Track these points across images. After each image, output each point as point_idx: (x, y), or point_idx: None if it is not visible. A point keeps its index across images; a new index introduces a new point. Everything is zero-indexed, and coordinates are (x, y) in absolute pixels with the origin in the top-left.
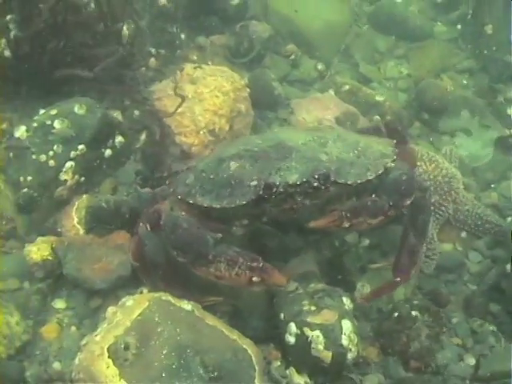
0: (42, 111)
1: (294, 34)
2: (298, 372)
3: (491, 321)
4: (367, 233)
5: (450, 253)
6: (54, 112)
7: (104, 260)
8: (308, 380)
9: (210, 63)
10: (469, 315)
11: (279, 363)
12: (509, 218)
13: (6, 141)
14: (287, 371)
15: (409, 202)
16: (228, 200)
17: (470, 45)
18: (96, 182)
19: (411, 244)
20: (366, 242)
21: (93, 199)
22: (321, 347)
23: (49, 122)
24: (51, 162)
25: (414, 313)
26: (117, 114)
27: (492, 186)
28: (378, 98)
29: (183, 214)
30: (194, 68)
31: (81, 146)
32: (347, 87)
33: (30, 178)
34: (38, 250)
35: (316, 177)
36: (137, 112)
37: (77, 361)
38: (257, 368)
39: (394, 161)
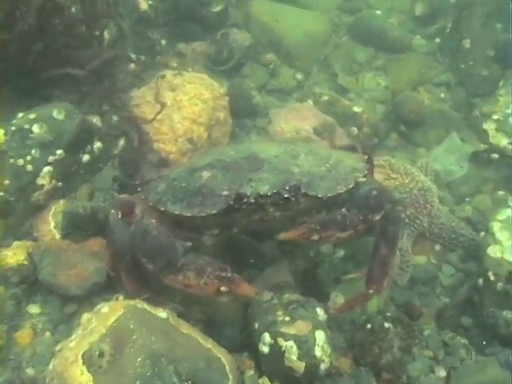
0: (20, 115)
1: (274, 43)
2: (271, 382)
3: (463, 334)
4: (342, 244)
5: (423, 265)
6: (32, 116)
7: (80, 266)
8: None
9: (189, 70)
10: (441, 328)
11: (253, 372)
12: (482, 233)
13: None
14: (260, 380)
15: (378, 217)
16: (199, 209)
17: (447, 58)
18: (73, 187)
19: (383, 255)
20: (341, 252)
21: (70, 205)
22: (294, 357)
23: (27, 126)
24: (29, 167)
25: (386, 324)
26: (96, 120)
27: (466, 199)
28: (356, 110)
29: (153, 221)
30: (174, 75)
31: (59, 151)
32: (326, 98)
33: (6, 181)
34: (14, 255)
35: (287, 188)
36: (115, 117)
37: (51, 367)
38: (230, 377)
39: (365, 176)
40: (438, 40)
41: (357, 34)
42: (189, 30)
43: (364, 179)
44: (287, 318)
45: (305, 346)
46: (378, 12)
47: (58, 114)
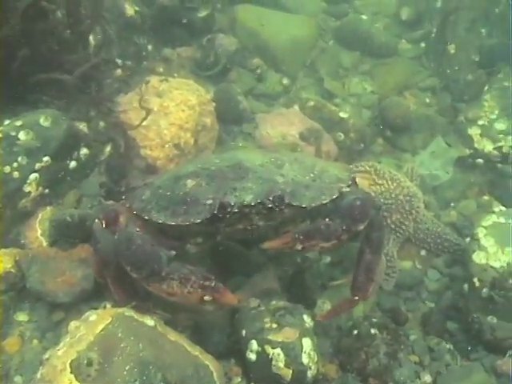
0: (6, 122)
1: (260, 48)
2: None
3: (448, 339)
4: (327, 252)
5: (409, 270)
6: (18, 123)
7: (67, 273)
8: None
9: (175, 75)
10: (426, 333)
11: (240, 379)
12: (467, 239)
13: None
14: None
15: (362, 228)
16: (183, 218)
17: (433, 63)
18: (60, 193)
19: (368, 261)
20: (328, 259)
21: (57, 212)
22: (281, 365)
23: (13, 133)
24: (15, 174)
25: (373, 330)
26: (82, 126)
27: (451, 204)
28: (342, 115)
29: (138, 230)
30: (160, 81)
31: (46, 158)
32: (312, 103)
33: None
34: (1, 262)
35: (271, 198)
36: (102, 123)
37: (39, 375)
38: None
39: (349, 186)
40: (423, 45)
41: (343, 39)
42: (175, 35)
43: (348, 189)
44: (274, 325)
45: (292, 353)
46: (364, 17)
47: (44, 120)
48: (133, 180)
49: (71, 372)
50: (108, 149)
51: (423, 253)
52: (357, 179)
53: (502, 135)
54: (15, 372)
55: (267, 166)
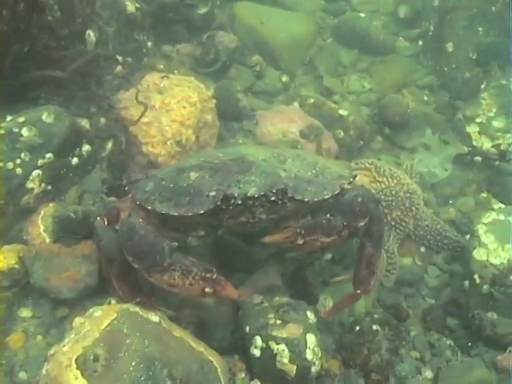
0: (9, 118)
1: (260, 45)
2: None
3: (448, 335)
4: (328, 248)
5: (409, 267)
6: (21, 119)
7: (71, 269)
8: None
9: (176, 72)
10: (427, 329)
11: (244, 375)
12: (467, 236)
13: None
14: (252, 383)
15: (362, 224)
16: (186, 208)
17: (430, 61)
18: (62, 190)
19: (368, 255)
20: (329, 256)
21: (59, 208)
22: (286, 360)
23: (16, 130)
24: (18, 170)
25: (374, 326)
26: (84, 123)
27: (450, 201)
28: (342, 113)
29: (140, 221)
30: (161, 78)
31: (48, 155)
32: (312, 101)
33: None
34: (5, 259)
35: (274, 191)
36: (103, 120)
37: (44, 371)
38: (222, 380)
39: (350, 182)
40: (421, 43)
41: (341, 37)
42: (174, 32)
43: (349, 186)
44: (278, 321)
45: (296, 349)
46: (362, 15)
47: (47, 117)
48: (134, 173)
49: (77, 368)
50: (109, 145)
51: (423, 250)
52: (357, 176)
53: (500, 133)
54: (20, 368)
55: (270, 161)
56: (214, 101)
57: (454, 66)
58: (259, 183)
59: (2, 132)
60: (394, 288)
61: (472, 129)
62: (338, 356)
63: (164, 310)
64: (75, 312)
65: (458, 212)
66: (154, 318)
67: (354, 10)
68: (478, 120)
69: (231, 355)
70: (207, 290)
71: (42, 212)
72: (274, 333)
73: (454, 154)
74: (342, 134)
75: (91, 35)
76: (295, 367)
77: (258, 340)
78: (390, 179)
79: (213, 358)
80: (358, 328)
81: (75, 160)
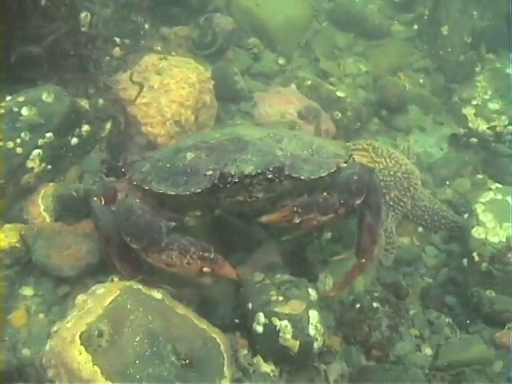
0: (8, 97)
1: (256, 28)
2: (265, 360)
3: (447, 313)
4: (326, 227)
5: (407, 247)
6: (21, 99)
7: (73, 247)
8: (274, 368)
9: (173, 54)
10: (425, 307)
11: (246, 352)
12: (466, 215)
13: None
14: (254, 359)
15: (359, 202)
16: (183, 188)
17: (426, 45)
18: (62, 169)
19: (369, 224)
20: (329, 234)
21: (59, 188)
22: (289, 336)
23: (16, 109)
24: (18, 149)
25: (375, 304)
26: (84, 103)
27: (447, 182)
28: (340, 94)
29: (138, 201)
30: (160, 59)
31: (48, 134)
32: (309, 82)
33: None
34: (6, 237)
35: (271, 169)
36: (101, 101)
37: (47, 347)
38: (225, 356)
39: (346, 161)
40: (416, 26)
41: (337, 20)
42: (172, 14)
43: (345, 165)
44: (281, 298)
45: (299, 324)
46: None
47: (47, 96)
48: (130, 155)
49: (81, 343)
50: (108, 126)
51: (421, 229)
52: (355, 157)
53: (495, 115)
54: (23, 345)
55: (266, 140)
56: (213, 82)
57: (449, 49)
58: (256, 161)
59: (2, 111)
60: (392, 267)
61: (468, 111)
62: (338, 333)
63: (166, 287)
64: (77, 290)
65: (455, 193)
66: (157, 295)
67: None
68: (474, 102)
69: (233, 332)
70: (205, 269)
71: (42, 191)
72: (276, 309)
73: (449, 133)
74: (340, 115)
75: (84, 16)
76: (298, 343)
77: (261, 316)
78: (387, 160)
79: (216, 334)
80: (358, 305)
81: (75, 140)
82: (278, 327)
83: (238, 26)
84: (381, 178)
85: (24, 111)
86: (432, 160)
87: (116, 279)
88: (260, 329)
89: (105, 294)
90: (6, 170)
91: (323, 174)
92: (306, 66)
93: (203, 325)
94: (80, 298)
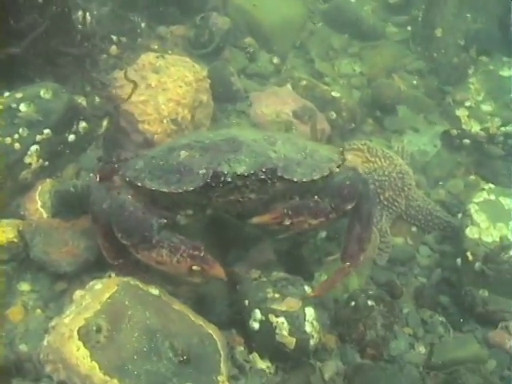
0: (6, 94)
1: (252, 28)
2: (261, 357)
3: (440, 312)
4: (317, 230)
5: (401, 246)
6: (19, 95)
7: (71, 244)
8: (270, 365)
9: (170, 53)
10: (419, 306)
11: (242, 348)
12: (459, 215)
13: None
14: (250, 356)
15: (350, 207)
16: (176, 185)
17: (420, 47)
18: (59, 166)
19: (358, 232)
20: (324, 234)
21: (57, 184)
22: (285, 333)
23: (14, 105)
24: (16, 145)
25: (370, 302)
26: (81, 100)
27: (440, 183)
28: (335, 95)
29: (130, 197)
30: (157, 57)
31: (46, 131)
32: (304, 82)
33: None
34: (3, 233)
35: (264, 170)
36: (97, 98)
37: (45, 343)
38: (222, 353)
39: (339, 166)
40: (410, 28)
41: (332, 21)
42: (168, 13)
43: (338, 170)
44: (277, 295)
45: (296, 321)
46: (353, 0)
47: (45, 93)
48: (124, 152)
49: (79, 339)
50: (105, 123)
51: (414, 229)
52: (350, 157)
53: (488, 116)
54: (20, 340)
55: (260, 142)
56: (209, 81)
57: (442, 51)
58: (249, 162)
59: (0, 107)
60: (386, 266)
61: (461, 112)
62: (333, 331)
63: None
64: (74, 286)
65: (448, 193)
66: (154, 291)
67: None
68: (467, 104)
69: (229, 329)
70: (194, 267)
71: (40, 188)
72: (273, 306)
73: (441, 130)
74: (335, 115)
75: (80, 15)
76: (294, 340)
77: (258, 313)
78: (382, 160)
79: (212, 331)
80: (353, 304)
81: (72, 137)
82: (274, 324)
83: (234, 26)
84: (375, 177)
85: (22, 107)
86: (427, 158)
87: (113, 275)
88: (256, 325)
89: (103, 290)
90: (4, 166)
91: (316, 177)
92: (300, 66)
93: (200, 321)
94: (78, 293)
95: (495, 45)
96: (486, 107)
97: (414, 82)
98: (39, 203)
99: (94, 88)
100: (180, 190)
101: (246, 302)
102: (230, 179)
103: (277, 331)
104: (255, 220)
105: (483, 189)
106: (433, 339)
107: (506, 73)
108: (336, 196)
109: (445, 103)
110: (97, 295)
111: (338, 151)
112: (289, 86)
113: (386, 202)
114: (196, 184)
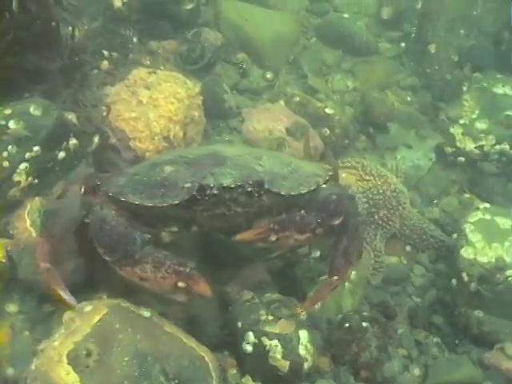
0: None
1: (244, 43)
2: (254, 380)
3: (435, 333)
4: (318, 244)
5: (395, 266)
6: (8, 112)
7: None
8: None
9: (162, 68)
10: (413, 326)
11: (235, 371)
12: (454, 235)
13: None
14: (243, 379)
15: (337, 222)
16: (160, 199)
17: (413, 63)
18: (48, 184)
19: (344, 246)
20: (317, 253)
21: (47, 202)
22: (279, 356)
23: (3, 122)
24: (5, 163)
25: (364, 324)
26: (72, 117)
27: (434, 201)
28: (328, 111)
29: (113, 212)
30: (149, 73)
31: (36, 148)
32: (297, 99)
33: None
34: None
35: (250, 182)
36: (87, 115)
37: (33, 367)
38: (214, 375)
39: (326, 181)
40: (403, 44)
41: (325, 37)
42: (160, 28)
43: (324, 185)
44: (270, 317)
45: (289, 345)
46: (346, 15)
47: (34, 109)
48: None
49: (68, 363)
50: (96, 140)
51: (409, 248)
52: (344, 174)
53: (483, 134)
54: (7, 363)
55: (245, 157)
56: (201, 97)
57: (436, 67)
58: (235, 174)
59: None
60: (380, 286)
61: (456, 130)
62: (326, 353)
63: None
64: (62, 308)
65: (442, 212)
66: (146, 313)
67: (337, 11)
68: (462, 121)
69: (221, 351)
70: (180, 284)
71: (29, 206)
72: (266, 328)
73: (434, 144)
74: (328, 132)
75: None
76: (288, 363)
77: (251, 336)
78: (376, 178)
79: (204, 353)
80: (347, 325)
81: (62, 154)
82: (267, 347)
83: (226, 41)
84: (370, 196)
85: (11, 124)
86: (421, 172)
87: (104, 297)
88: (249, 348)
89: (92, 313)
90: None
91: (303, 191)
92: (293, 81)
93: (192, 343)
94: (67, 315)
95: (489, 61)
96: (480, 125)
97: (408, 98)
98: (28, 222)
99: (85, 104)
100: (165, 204)
101: (239, 323)
102: (216, 191)
103: (270, 354)
104: (239, 237)
105: (478, 208)
106: (427, 360)
107: (499, 90)
108: (322, 211)
109: (438, 120)
110: (87, 318)
111: (325, 168)
112: (282, 102)
113: (380, 221)
114: (181, 197)
